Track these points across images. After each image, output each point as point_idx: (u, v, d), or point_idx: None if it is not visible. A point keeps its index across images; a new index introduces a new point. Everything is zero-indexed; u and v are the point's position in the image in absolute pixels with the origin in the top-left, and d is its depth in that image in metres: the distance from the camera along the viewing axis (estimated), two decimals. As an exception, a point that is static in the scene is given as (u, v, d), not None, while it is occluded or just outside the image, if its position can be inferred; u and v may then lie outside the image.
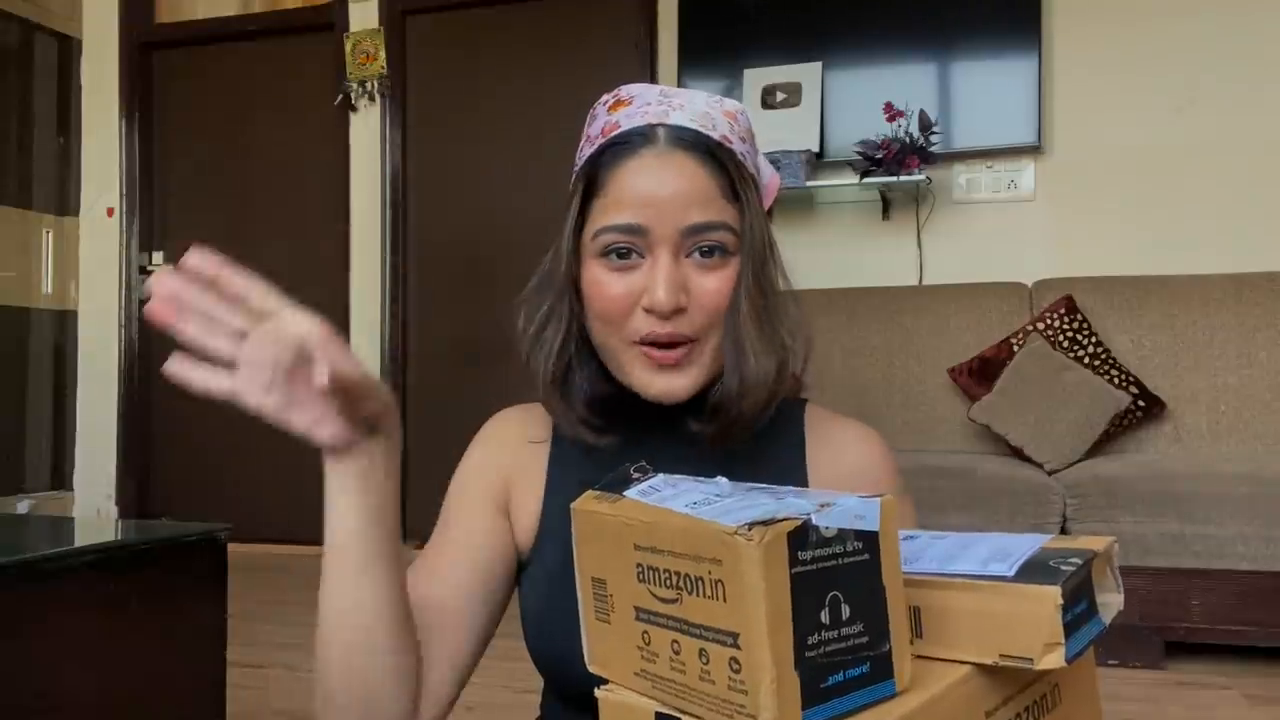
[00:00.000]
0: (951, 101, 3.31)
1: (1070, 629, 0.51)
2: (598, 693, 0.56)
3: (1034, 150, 3.26)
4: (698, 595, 0.49)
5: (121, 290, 4.25)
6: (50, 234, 4.23)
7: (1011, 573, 0.52)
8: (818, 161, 3.34)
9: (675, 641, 0.51)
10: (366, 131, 3.98)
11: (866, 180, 3.21)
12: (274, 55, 4.17)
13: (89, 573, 1.35)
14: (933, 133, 3.18)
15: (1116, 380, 2.80)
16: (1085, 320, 2.90)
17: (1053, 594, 0.50)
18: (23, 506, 4.03)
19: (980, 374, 2.91)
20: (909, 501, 0.85)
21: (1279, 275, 2.92)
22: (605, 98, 0.86)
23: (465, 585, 0.80)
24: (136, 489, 4.22)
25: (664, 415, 0.81)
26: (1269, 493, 2.33)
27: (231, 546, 1.56)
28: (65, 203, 4.30)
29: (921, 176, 3.17)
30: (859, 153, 3.22)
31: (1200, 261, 3.05)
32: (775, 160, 3.22)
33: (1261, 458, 2.65)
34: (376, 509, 0.68)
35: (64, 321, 4.29)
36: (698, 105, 0.80)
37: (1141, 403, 2.79)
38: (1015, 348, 2.90)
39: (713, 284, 0.77)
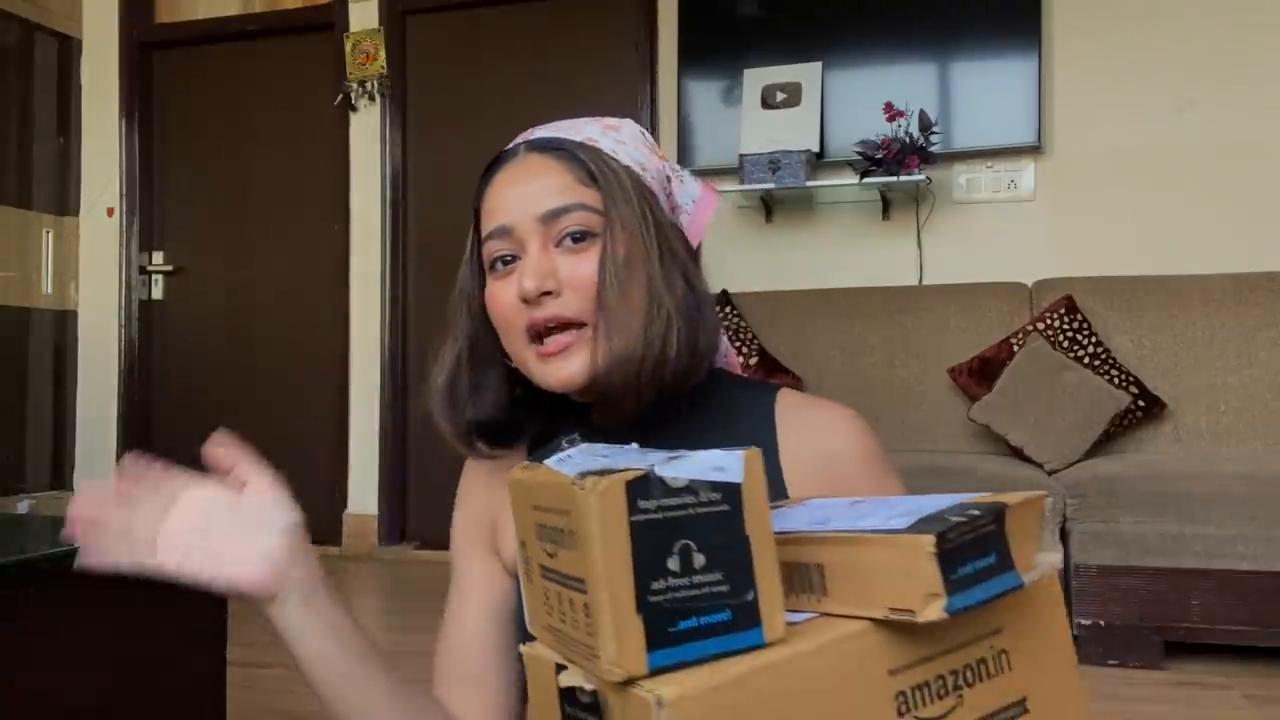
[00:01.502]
0: (951, 101, 3.31)
1: (964, 582, 0.49)
2: (522, 648, 0.58)
3: (1034, 150, 3.26)
4: (564, 547, 0.50)
5: (121, 290, 4.25)
6: (50, 234, 4.23)
7: (905, 525, 0.51)
8: (818, 161, 3.34)
9: (560, 594, 0.52)
10: (366, 131, 3.98)
11: (866, 180, 3.21)
12: (274, 55, 4.17)
13: (89, 573, 1.35)
14: (933, 133, 3.18)
15: (1116, 380, 2.80)
16: (1085, 320, 2.90)
17: (925, 542, 0.48)
18: (23, 506, 4.03)
19: (980, 374, 2.91)
20: (895, 483, 0.83)
21: (1279, 275, 2.92)
22: None
23: (490, 636, 0.85)
24: (136, 489, 4.22)
25: (580, 415, 0.82)
26: (1269, 493, 2.33)
27: (231, 546, 1.56)
28: (65, 203, 4.30)
29: (921, 176, 3.17)
30: (859, 153, 3.22)
31: (1200, 261, 3.05)
32: (775, 161, 3.22)
33: (1261, 458, 2.65)
34: (330, 627, 0.73)
35: (64, 321, 4.29)
36: (572, 123, 0.85)
37: (1141, 403, 2.79)
38: (1015, 348, 2.90)
39: (583, 266, 0.78)
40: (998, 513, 0.52)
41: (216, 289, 4.21)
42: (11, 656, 1.23)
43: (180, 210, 4.30)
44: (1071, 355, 2.84)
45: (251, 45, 4.20)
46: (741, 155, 3.28)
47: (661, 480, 0.48)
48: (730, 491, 0.49)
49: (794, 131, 3.33)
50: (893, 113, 3.20)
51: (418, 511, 3.87)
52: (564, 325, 0.78)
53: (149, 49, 4.31)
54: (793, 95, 3.39)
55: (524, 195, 0.80)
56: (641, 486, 0.48)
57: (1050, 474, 2.58)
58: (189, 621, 1.51)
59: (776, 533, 0.55)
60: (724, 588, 0.49)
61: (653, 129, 3.62)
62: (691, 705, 0.46)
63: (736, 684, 0.48)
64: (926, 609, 0.49)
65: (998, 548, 0.51)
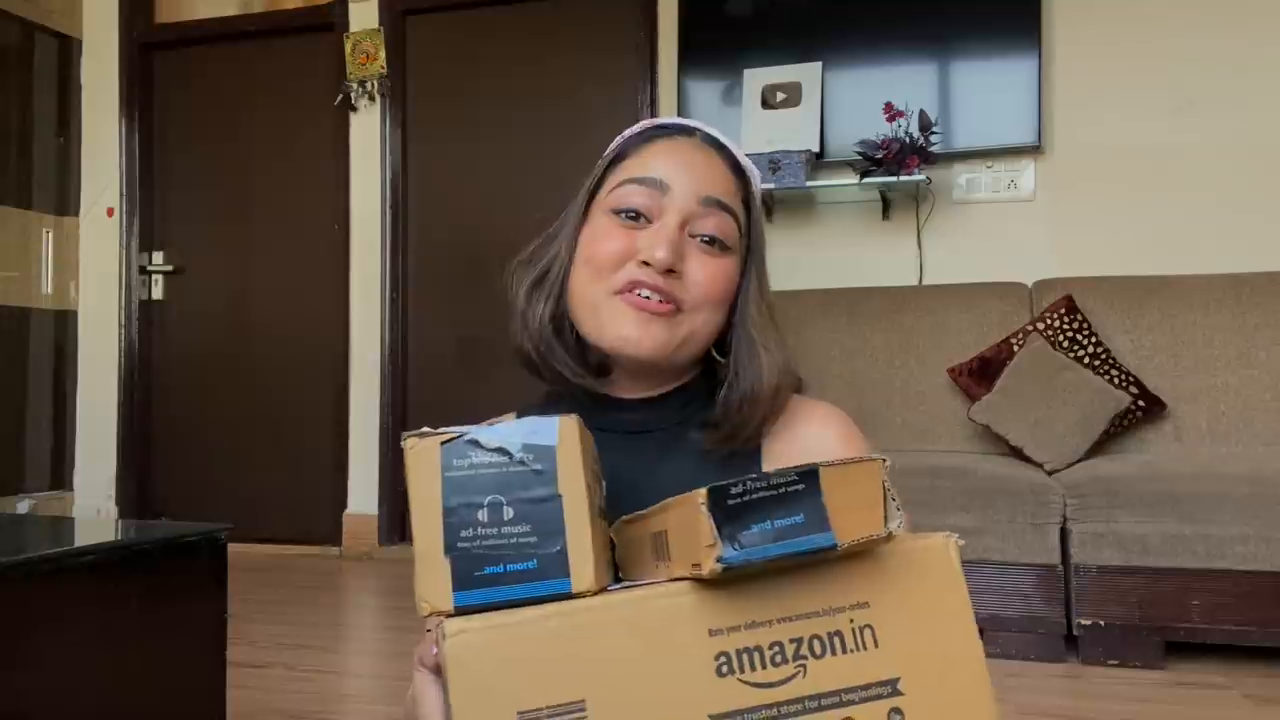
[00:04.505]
0: (951, 101, 3.31)
1: (754, 538, 0.50)
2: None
3: (1034, 150, 3.26)
4: None
5: (121, 290, 4.25)
6: (50, 234, 4.23)
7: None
8: (818, 161, 3.34)
9: None
10: (366, 131, 3.98)
11: (866, 180, 3.21)
12: (274, 55, 4.17)
13: (89, 573, 1.35)
14: (933, 133, 3.17)
15: (1116, 380, 2.80)
16: (1085, 320, 2.90)
17: (699, 496, 0.50)
18: (23, 506, 4.03)
19: (980, 374, 2.91)
20: None
21: (1279, 275, 2.92)
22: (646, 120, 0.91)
23: None
24: (136, 489, 4.22)
25: (646, 416, 0.83)
26: (1269, 493, 2.33)
27: (231, 546, 1.56)
28: (65, 203, 4.30)
29: (921, 176, 3.17)
30: (859, 153, 3.22)
31: (1200, 261, 3.05)
32: (776, 161, 3.22)
33: (1261, 458, 2.64)
34: None
35: (64, 321, 4.29)
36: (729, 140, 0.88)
37: (1141, 403, 2.79)
38: (1015, 348, 2.90)
39: (708, 268, 0.79)
40: (805, 472, 0.52)
41: (216, 289, 4.21)
42: (11, 656, 1.23)
43: (180, 210, 4.30)
44: (1071, 355, 2.84)
45: (251, 45, 4.20)
46: (741, 155, 3.28)
47: (476, 441, 0.54)
48: (544, 453, 0.54)
49: (794, 131, 3.33)
50: (893, 113, 3.20)
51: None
52: (668, 299, 0.79)
53: (149, 49, 4.31)
54: (793, 95, 3.39)
55: (694, 171, 0.80)
56: (456, 446, 0.54)
57: (1050, 474, 2.58)
58: (189, 621, 1.51)
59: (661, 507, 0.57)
60: (531, 539, 0.53)
61: (653, 129, 3.62)
62: (472, 638, 0.51)
63: (526, 624, 0.51)
64: (707, 563, 0.50)
65: (806, 508, 0.51)
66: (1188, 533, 2.34)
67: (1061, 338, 2.87)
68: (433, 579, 0.52)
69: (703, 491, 0.50)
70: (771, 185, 3.23)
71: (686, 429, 0.83)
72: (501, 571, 0.53)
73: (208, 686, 1.54)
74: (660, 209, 0.79)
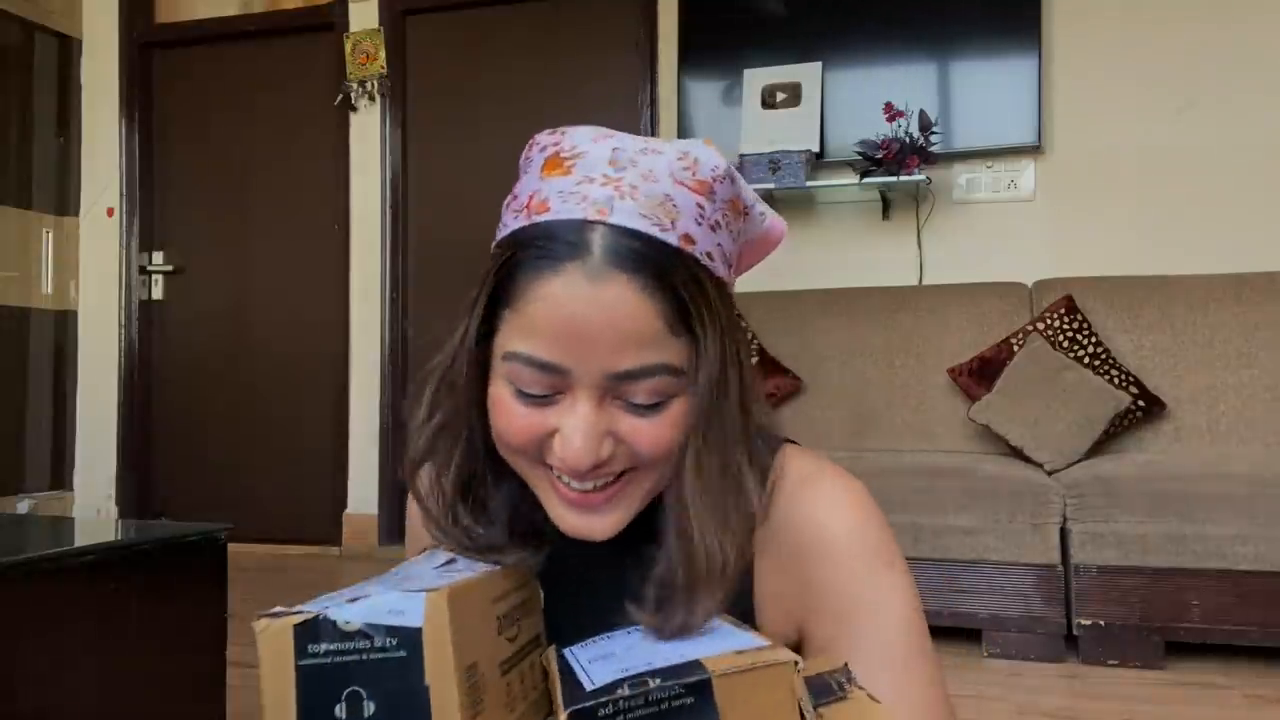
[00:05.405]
0: (951, 101, 3.31)
1: None
2: None
3: (1034, 150, 3.26)
4: None
5: (121, 290, 4.25)
6: (50, 234, 4.23)
7: (595, 685, 0.47)
8: (818, 161, 3.34)
9: None
10: (366, 131, 3.98)
11: (866, 180, 3.21)
12: (274, 55, 4.17)
13: (89, 573, 1.35)
14: (933, 133, 3.17)
15: (1116, 380, 2.80)
16: (1085, 320, 2.90)
17: (558, 715, 0.44)
18: (23, 506, 4.03)
19: (980, 374, 2.91)
20: (897, 570, 0.70)
21: (1279, 275, 2.92)
22: (544, 141, 0.67)
23: None
24: (136, 489, 4.22)
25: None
26: (1269, 493, 2.33)
27: (231, 546, 1.56)
28: (65, 203, 4.30)
29: (921, 176, 3.17)
30: (859, 153, 3.22)
31: (1200, 261, 3.05)
32: (776, 161, 3.22)
33: (1261, 458, 2.64)
34: None
35: (64, 321, 4.29)
36: (657, 185, 0.62)
37: (1141, 403, 2.79)
38: (1015, 348, 2.90)
39: (646, 426, 0.63)
40: (694, 685, 0.44)
41: (216, 289, 4.21)
42: (11, 656, 1.23)
43: (180, 210, 4.30)
44: (1071, 355, 2.84)
45: (251, 45, 4.20)
46: (742, 155, 3.28)
47: (333, 624, 0.47)
48: (409, 637, 0.47)
49: (794, 131, 3.33)
50: (893, 113, 3.20)
51: (418, 511, 3.87)
52: (606, 479, 0.65)
53: (149, 49, 4.31)
54: (793, 95, 3.38)
55: (596, 339, 0.60)
56: (311, 630, 0.47)
57: (1050, 474, 2.58)
58: (189, 621, 1.51)
59: (562, 663, 0.51)
60: None
61: (652, 129, 3.62)
62: None
63: None
64: None
65: None
66: (1188, 533, 2.34)
67: (1061, 338, 2.87)
68: None
69: (564, 714, 0.44)
70: (771, 185, 3.23)
71: (634, 572, 0.67)
72: None
73: (208, 686, 1.54)
74: (566, 385, 0.62)
